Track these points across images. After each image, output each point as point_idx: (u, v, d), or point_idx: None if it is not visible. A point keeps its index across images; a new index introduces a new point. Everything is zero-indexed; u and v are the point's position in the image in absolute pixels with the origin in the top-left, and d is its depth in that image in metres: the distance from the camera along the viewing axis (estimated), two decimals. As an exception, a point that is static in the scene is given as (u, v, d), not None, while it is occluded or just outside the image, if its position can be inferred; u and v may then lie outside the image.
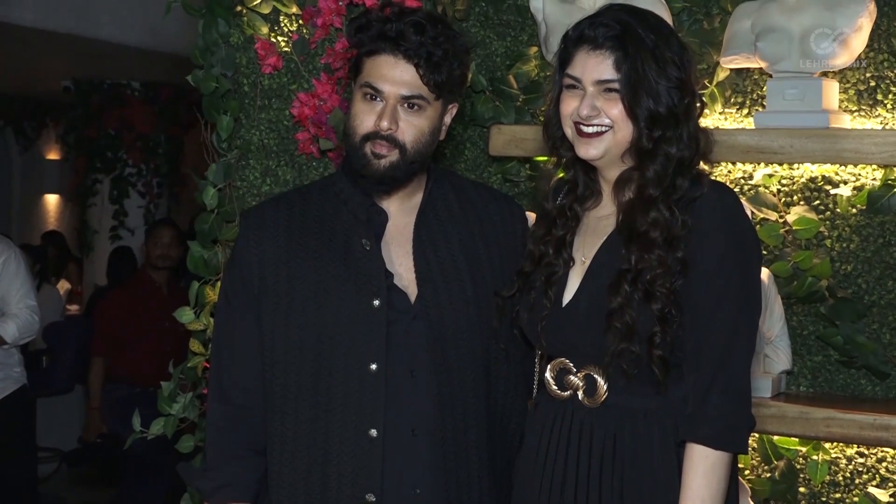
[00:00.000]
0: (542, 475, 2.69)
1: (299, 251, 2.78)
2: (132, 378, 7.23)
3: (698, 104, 2.66)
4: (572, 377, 2.67)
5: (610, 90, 2.59)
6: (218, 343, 2.89)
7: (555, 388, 2.70)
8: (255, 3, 3.64)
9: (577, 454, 2.64)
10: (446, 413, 2.75)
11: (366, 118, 2.71)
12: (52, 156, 14.18)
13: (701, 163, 2.68)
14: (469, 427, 2.78)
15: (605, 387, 2.62)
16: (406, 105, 2.70)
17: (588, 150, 2.63)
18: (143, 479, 7.27)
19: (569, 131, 2.66)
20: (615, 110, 2.59)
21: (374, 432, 2.70)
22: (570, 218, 2.74)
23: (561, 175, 2.82)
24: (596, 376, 2.62)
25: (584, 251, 2.70)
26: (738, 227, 2.61)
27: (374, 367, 2.70)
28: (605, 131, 2.60)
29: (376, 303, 2.72)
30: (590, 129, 2.61)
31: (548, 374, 2.71)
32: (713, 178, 2.74)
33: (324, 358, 2.73)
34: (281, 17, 3.69)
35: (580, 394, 2.65)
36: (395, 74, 2.68)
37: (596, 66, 2.59)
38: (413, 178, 2.79)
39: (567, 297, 2.68)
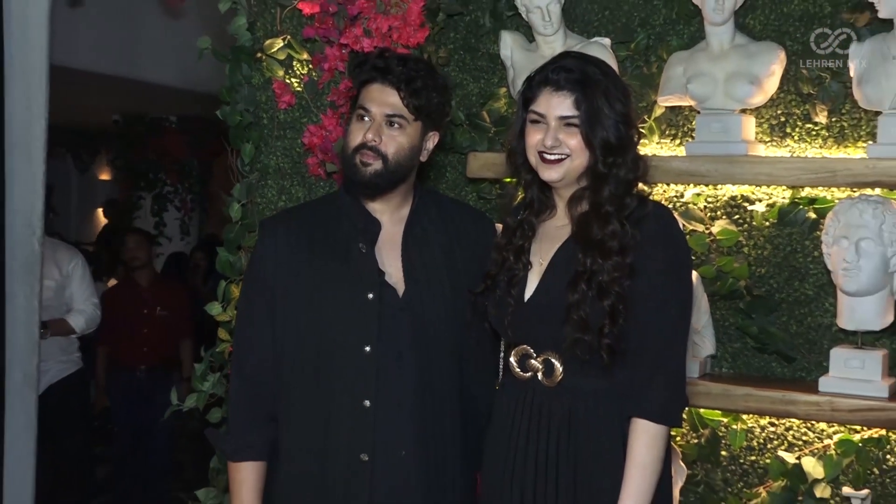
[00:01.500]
0: (507, 446, 2.67)
1: (307, 253, 2.78)
2: (125, 360, 7.22)
3: (638, 134, 2.65)
4: (533, 361, 2.65)
5: (570, 125, 2.58)
6: (239, 330, 2.89)
7: (518, 370, 2.68)
8: (272, 50, 3.62)
9: (537, 427, 2.62)
10: (426, 390, 2.74)
11: (357, 134, 2.74)
12: (104, 177, 14.08)
13: (640, 184, 2.67)
14: (445, 401, 2.77)
15: (560, 369, 2.60)
16: (388, 123, 2.72)
17: (551, 174, 2.62)
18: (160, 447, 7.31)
19: (533, 159, 2.65)
20: (573, 141, 2.58)
21: (367, 403, 2.69)
22: (528, 229, 2.72)
23: (521, 195, 2.81)
24: (553, 360, 2.61)
25: (541, 255, 2.68)
26: (676, 240, 2.62)
27: (367, 349, 2.70)
28: (564, 159, 2.59)
29: (370, 296, 2.71)
30: (552, 157, 2.60)
31: (512, 359, 2.69)
32: (652, 198, 2.74)
33: (325, 341, 2.72)
34: (294, 62, 3.66)
35: (540, 375, 2.63)
36: (381, 97, 2.72)
37: (558, 105, 2.58)
38: (396, 186, 2.78)
39: (528, 293, 2.66)
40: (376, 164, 2.71)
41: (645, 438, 2.52)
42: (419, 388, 2.73)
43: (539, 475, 2.60)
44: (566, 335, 2.53)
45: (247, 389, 2.82)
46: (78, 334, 6.33)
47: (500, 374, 2.84)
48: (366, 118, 2.73)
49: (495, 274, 2.72)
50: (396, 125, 2.73)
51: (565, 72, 2.58)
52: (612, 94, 2.56)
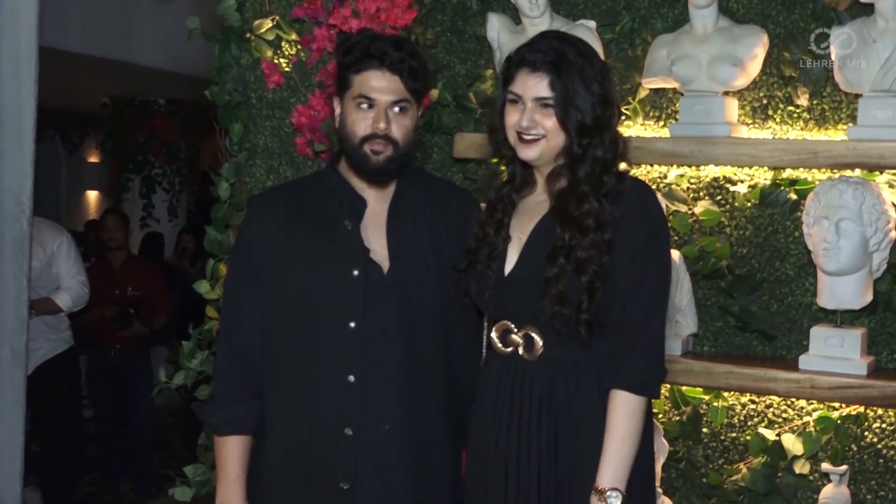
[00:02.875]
0: (491, 420, 2.69)
1: (293, 230, 2.78)
2: (99, 340, 7.23)
3: (617, 114, 2.67)
4: (514, 336, 2.67)
5: (546, 105, 2.59)
6: (226, 306, 2.89)
7: (499, 345, 2.70)
8: (261, 31, 3.61)
9: (519, 400, 2.64)
10: (411, 366, 2.75)
11: (362, 124, 2.71)
12: (93, 159, 14.04)
13: (622, 163, 2.70)
14: (430, 378, 2.78)
15: (541, 343, 2.62)
16: (395, 109, 2.71)
17: (528, 153, 2.64)
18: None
19: (511, 137, 2.67)
20: (549, 122, 2.60)
21: (352, 378, 2.70)
22: (508, 204, 2.75)
23: (504, 171, 2.82)
24: (533, 335, 2.63)
25: (521, 230, 2.70)
26: (653, 215, 2.64)
27: (352, 325, 2.70)
28: (540, 139, 2.61)
29: (355, 273, 2.72)
30: (528, 137, 2.62)
31: (493, 334, 2.71)
32: (633, 175, 2.76)
33: (311, 317, 2.73)
34: (283, 43, 3.66)
35: (520, 349, 2.66)
36: (384, 84, 2.70)
37: (534, 86, 2.60)
38: (403, 169, 2.79)
39: (508, 267, 2.68)
40: (388, 151, 2.72)
41: (624, 410, 2.54)
42: (404, 364, 2.74)
43: (522, 447, 2.62)
44: (545, 308, 2.55)
45: (234, 364, 2.83)
46: (65, 312, 6.33)
47: (484, 350, 2.85)
48: (367, 106, 2.71)
49: (476, 248, 2.73)
50: (401, 110, 2.73)
51: (541, 53, 2.59)
52: (589, 75, 2.58)
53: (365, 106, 2.71)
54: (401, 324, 2.74)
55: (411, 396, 2.75)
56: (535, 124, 2.60)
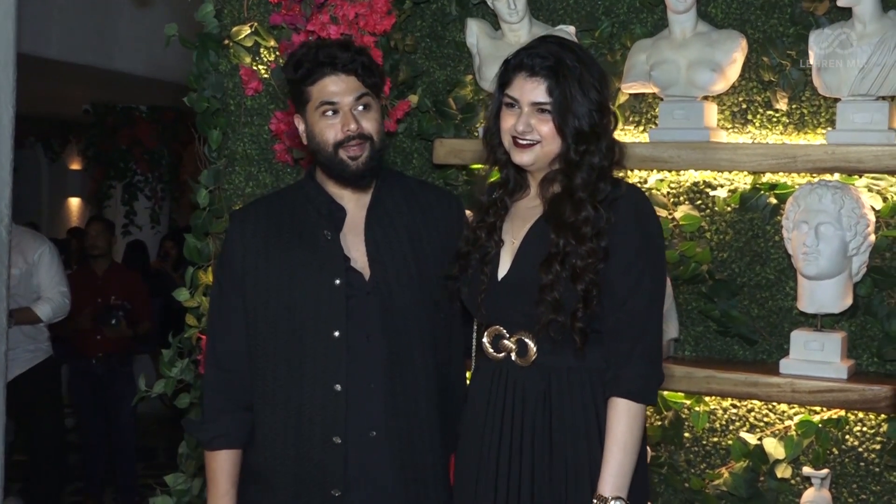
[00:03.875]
0: (483, 427, 2.66)
1: (275, 242, 2.78)
2: (81, 349, 7.18)
3: (614, 121, 2.64)
4: (506, 341, 2.64)
5: (542, 111, 2.57)
6: (212, 319, 2.88)
7: (491, 350, 2.67)
8: (239, 37, 3.60)
9: (511, 407, 2.62)
10: (396, 370, 2.74)
11: (331, 131, 2.71)
12: (75, 166, 14.02)
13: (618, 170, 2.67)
14: (418, 382, 2.76)
15: (534, 349, 2.60)
16: (359, 107, 2.72)
17: (522, 158, 2.62)
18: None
19: (506, 141, 2.64)
20: (545, 128, 2.57)
21: (338, 387, 2.69)
22: (500, 207, 2.72)
23: (494, 178, 2.80)
24: (527, 340, 2.60)
25: (513, 234, 2.68)
26: (648, 221, 2.61)
27: (336, 333, 2.69)
28: (535, 144, 2.58)
29: (337, 282, 2.71)
30: (524, 142, 2.59)
31: (485, 340, 2.68)
32: (629, 182, 2.74)
33: (296, 328, 2.72)
34: (261, 49, 3.64)
35: (513, 355, 2.63)
36: (342, 87, 2.70)
37: (532, 91, 2.57)
38: (381, 166, 2.80)
39: (501, 272, 2.65)
40: (365, 152, 2.72)
41: (625, 417, 2.51)
42: (389, 370, 2.73)
43: (514, 454, 2.60)
44: (540, 316, 2.53)
45: (221, 376, 2.82)
46: (44, 323, 6.28)
47: (473, 355, 2.84)
48: (332, 112, 2.71)
49: (467, 252, 2.71)
50: (365, 107, 2.72)
51: (540, 58, 2.57)
52: (587, 82, 2.55)
53: (330, 113, 2.71)
54: (384, 329, 2.73)
55: (398, 401, 2.74)
56: (531, 129, 2.57)
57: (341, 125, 2.70)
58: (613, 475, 2.49)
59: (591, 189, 2.55)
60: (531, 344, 2.60)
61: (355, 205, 2.81)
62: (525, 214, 2.69)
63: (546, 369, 2.60)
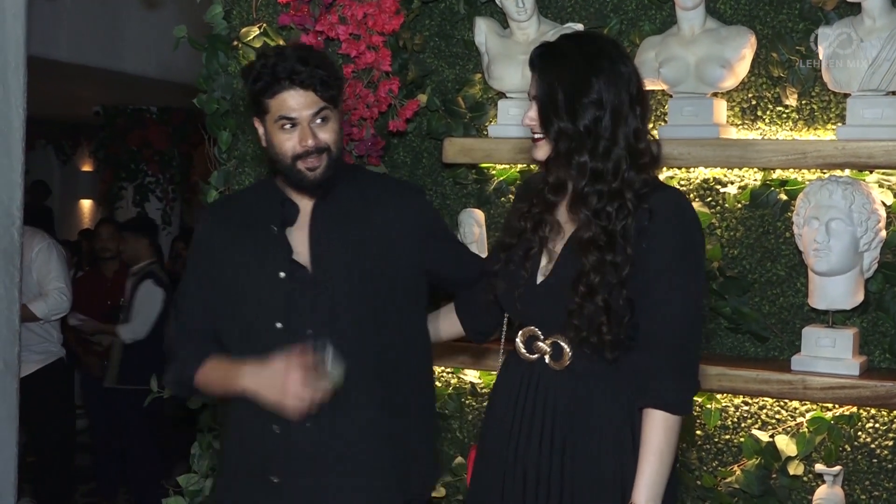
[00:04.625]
0: (510, 428, 2.61)
1: (233, 235, 2.86)
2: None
3: (625, 120, 2.46)
4: (540, 343, 2.58)
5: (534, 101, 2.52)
6: (180, 294, 2.97)
7: (524, 351, 2.61)
8: (248, 38, 3.62)
9: (542, 410, 2.56)
10: None
11: (288, 143, 2.74)
12: (86, 168, 14.07)
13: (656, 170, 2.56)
14: (355, 372, 2.75)
15: (570, 353, 2.53)
16: (317, 121, 2.74)
17: (534, 154, 2.56)
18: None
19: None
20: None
21: None
22: (546, 201, 2.59)
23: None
24: (562, 344, 2.53)
25: (556, 236, 2.59)
26: (686, 228, 2.49)
27: (279, 325, 2.76)
28: (542, 139, 2.52)
29: (281, 275, 2.78)
30: (535, 136, 2.55)
31: (518, 339, 2.63)
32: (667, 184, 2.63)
33: (245, 317, 2.81)
34: (270, 50, 3.66)
35: (547, 358, 2.57)
36: (300, 101, 2.71)
37: (531, 83, 2.54)
38: (338, 173, 2.83)
39: (540, 273, 2.59)
40: (322, 163, 2.75)
41: (661, 428, 2.44)
42: None
43: (543, 459, 2.54)
44: (571, 336, 2.49)
45: (181, 337, 2.90)
46: (42, 321, 6.28)
47: (502, 353, 2.82)
48: (291, 126, 2.74)
49: (510, 245, 2.64)
50: (323, 120, 2.75)
51: (538, 49, 2.53)
52: (579, 74, 2.44)
53: (288, 126, 2.74)
54: (323, 322, 2.78)
55: (335, 392, 2.75)
56: (535, 123, 2.51)
57: (299, 139, 2.73)
58: (648, 485, 2.44)
59: (598, 195, 2.45)
60: (567, 348, 2.53)
61: (307, 200, 2.86)
62: (565, 216, 2.60)
63: (579, 375, 2.53)
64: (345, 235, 2.81)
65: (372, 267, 2.80)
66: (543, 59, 2.50)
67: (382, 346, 2.82)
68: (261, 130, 2.82)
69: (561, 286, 2.51)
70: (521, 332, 2.64)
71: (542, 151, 2.54)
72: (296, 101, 2.71)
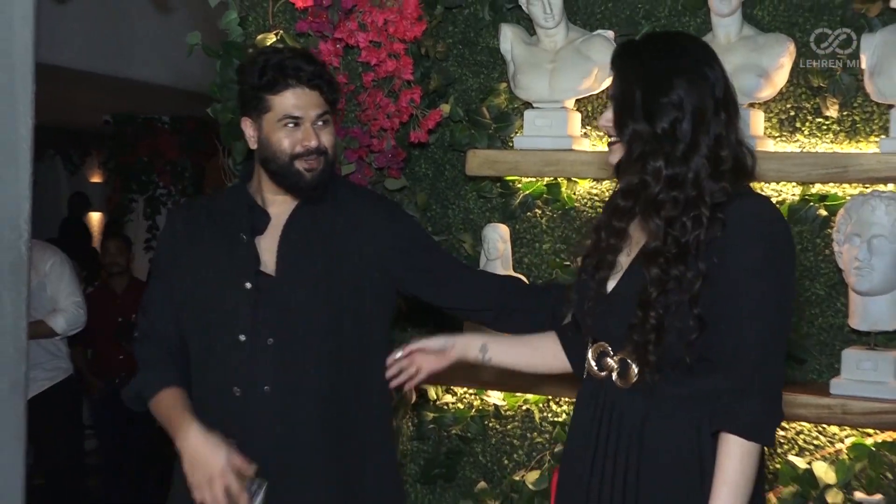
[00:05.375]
0: (584, 448, 2.50)
1: (198, 241, 2.91)
2: (102, 369, 7.21)
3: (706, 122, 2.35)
4: (609, 360, 2.47)
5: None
6: (143, 303, 3.00)
7: (595, 368, 2.51)
8: (264, 45, 3.57)
9: (608, 429, 2.45)
10: (287, 373, 2.81)
11: (288, 141, 2.79)
12: (95, 179, 14.08)
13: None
14: (306, 385, 2.81)
15: (636, 371, 2.41)
16: (319, 122, 2.81)
17: (609, 158, 2.46)
18: None
19: None
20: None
21: (237, 390, 2.81)
22: (626, 213, 2.46)
23: None
24: (630, 361, 2.42)
25: (630, 248, 2.48)
26: (767, 238, 2.34)
27: (242, 337, 2.80)
28: (616, 142, 2.42)
29: (247, 285, 2.82)
30: (610, 140, 2.44)
31: (589, 355, 2.53)
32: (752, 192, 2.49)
33: (208, 326, 2.85)
34: (287, 58, 3.62)
35: (614, 375, 2.46)
36: (306, 101, 2.79)
37: (612, 83, 2.44)
38: (331, 178, 2.90)
39: (611, 283, 2.49)
40: (320, 165, 2.81)
41: (737, 456, 2.30)
42: (279, 373, 2.81)
43: (605, 482, 2.43)
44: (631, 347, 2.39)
45: (146, 345, 2.97)
46: (60, 336, 6.28)
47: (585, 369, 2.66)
48: (294, 125, 2.79)
49: (587, 257, 2.55)
50: (324, 122, 2.82)
51: (618, 47, 2.48)
52: (659, 73, 2.33)
53: (291, 125, 2.79)
54: (283, 335, 2.81)
55: (285, 403, 2.82)
56: (610, 124, 2.41)
57: (301, 139, 2.79)
58: None
59: (673, 203, 2.33)
60: (634, 365, 2.41)
61: (280, 212, 2.88)
62: (641, 227, 2.48)
63: (647, 394, 2.40)
64: (315, 248, 2.85)
65: (340, 282, 2.85)
66: (622, 56, 2.42)
67: (341, 356, 2.86)
68: (251, 130, 2.85)
69: (625, 299, 2.41)
70: (592, 348, 2.54)
71: (616, 155, 2.43)
72: (301, 100, 2.78)
